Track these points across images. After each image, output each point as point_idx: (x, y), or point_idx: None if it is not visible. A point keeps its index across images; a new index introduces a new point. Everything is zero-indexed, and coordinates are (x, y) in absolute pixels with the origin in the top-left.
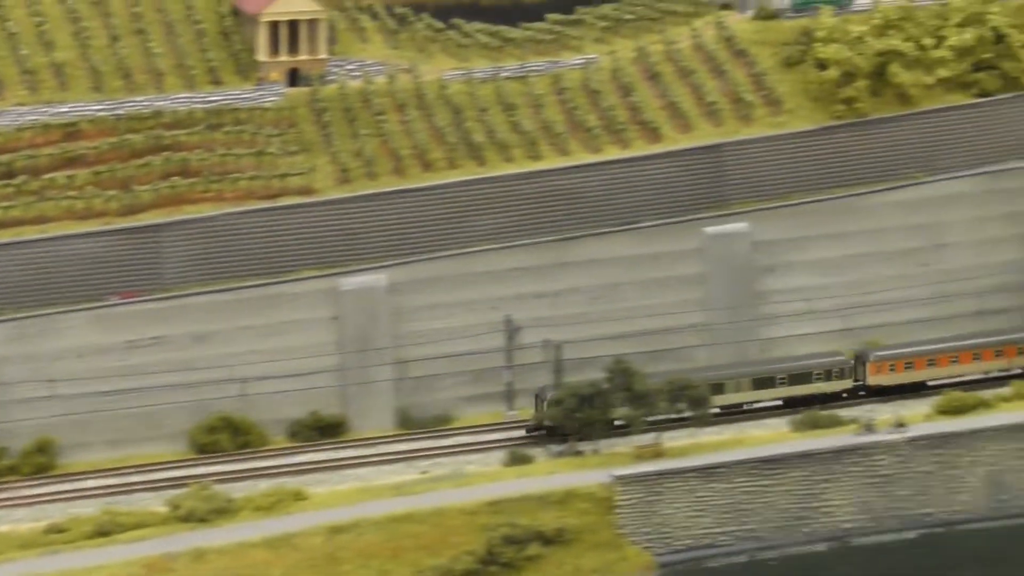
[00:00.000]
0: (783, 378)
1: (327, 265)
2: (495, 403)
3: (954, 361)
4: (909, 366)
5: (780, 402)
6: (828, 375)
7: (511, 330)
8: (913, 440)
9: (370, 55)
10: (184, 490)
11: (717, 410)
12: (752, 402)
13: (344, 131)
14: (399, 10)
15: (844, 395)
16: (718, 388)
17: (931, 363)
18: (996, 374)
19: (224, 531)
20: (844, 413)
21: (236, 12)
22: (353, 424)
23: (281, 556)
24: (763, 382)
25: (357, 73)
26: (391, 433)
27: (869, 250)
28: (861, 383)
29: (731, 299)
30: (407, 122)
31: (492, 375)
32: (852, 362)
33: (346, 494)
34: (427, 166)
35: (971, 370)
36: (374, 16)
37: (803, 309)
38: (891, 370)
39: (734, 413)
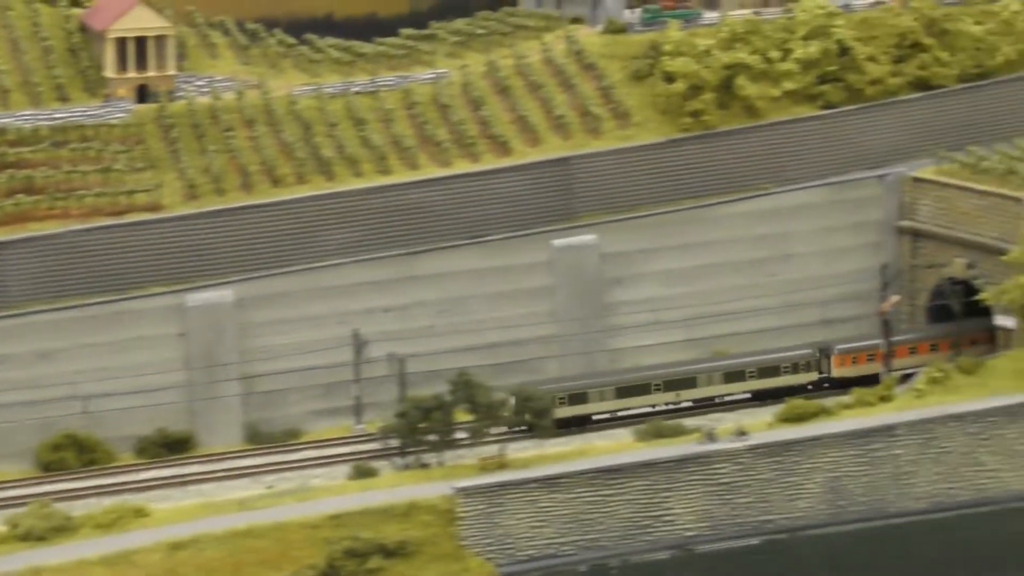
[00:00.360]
0: (753, 372)
1: (174, 281)
2: (344, 417)
3: (912, 352)
4: (871, 359)
5: (750, 395)
6: (795, 368)
7: (359, 344)
8: (753, 448)
9: (220, 71)
10: (24, 508)
11: (690, 403)
12: (724, 395)
13: (192, 147)
14: (251, 25)
15: (810, 387)
16: (691, 382)
17: (890, 355)
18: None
19: (63, 549)
20: (689, 422)
21: (83, 29)
22: (201, 440)
23: (119, 573)
24: (734, 376)
25: (206, 89)
26: (238, 448)
27: (717, 260)
28: (826, 375)
29: (580, 311)
30: (256, 138)
31: (340, 389)
32: (817, 355)
33: (189, 510)
34: (276, 181)
35: (928, 359)
36: (225, 32)
37: (650, 320)
38: (854, 363)
39: (707, 405)
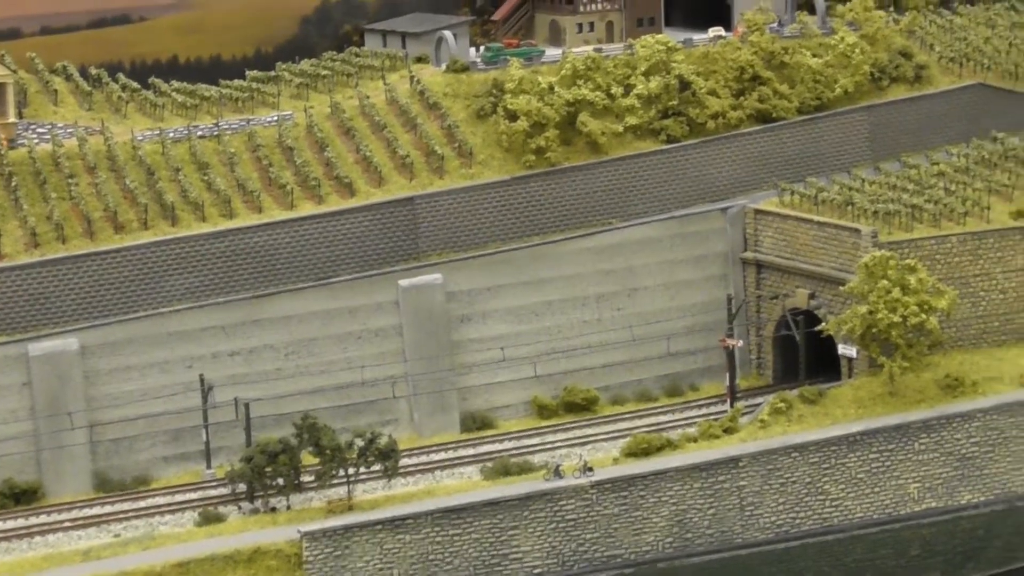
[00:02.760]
0: None
1: (17, 331)
2: (193, 462)
3: None
4: None
5: None
6: None
7: (205, 389)
8: (598, 484)
9: (62, 117)
10: None
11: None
12: None
13: (34, 195)
14: (93, 71)
15: None
16: None
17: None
18: None
19: None
20: (536, 458)
21: None
22: (49, 490)
23: None
24: None
25: (48, 136)
26: (86, 497)
27: (564, 296)
28: None
29: (428, 349)
30: (98, 184)
31: (189, 434)
32: None
33: (32, 562)
34: (119, 228)
35: None
36: (67, 77)
37: (498, 357)
38: None
39: None
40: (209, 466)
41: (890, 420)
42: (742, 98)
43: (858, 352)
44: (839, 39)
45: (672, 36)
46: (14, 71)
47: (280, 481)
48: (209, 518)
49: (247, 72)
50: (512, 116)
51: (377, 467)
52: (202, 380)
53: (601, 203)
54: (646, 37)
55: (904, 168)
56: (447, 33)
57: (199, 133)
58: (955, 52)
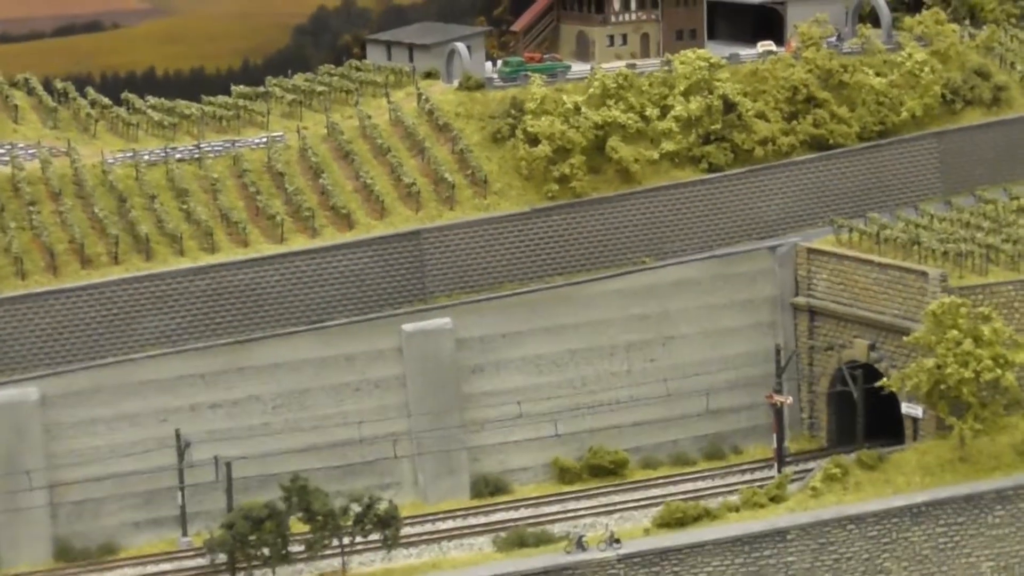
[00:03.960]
0: None
1: None
2: (168, 528)
3: None
4: None
5: None
6: None
7: (182, 446)
8: (626, 557)
9: (23, 137)
10: None
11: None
12: None
13: None
14: (59, 84)
15: None
16: None
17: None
18: None
19: None
20: (556, 528)
21: None
22: (3, 558)
23: None
24: None
25: (7, 158)
26: (44, 568)
27: (590, 345)
28: None
29: (435, 404)
30: (63, 212)
31: (163, 497)
32: None
33: None
34: (86, 262)
35: None
36: (29, 91)
37: (515, 413)
38: None
39: None
40: (185, 533)
41: (960, 490)
42: (795, 122)
43: (924, 412)
44: (907, 56)
45: (716, 51)
46: None
47: (266, 551)
48: None
49: (233, 87)
50: (533, 140)
51: (376, 536)
52: (178, 436)
53: (633, 239)
54: (686, 52)
55: (979, 203)
56: (460, 45)
57: (178, 156)
58: None
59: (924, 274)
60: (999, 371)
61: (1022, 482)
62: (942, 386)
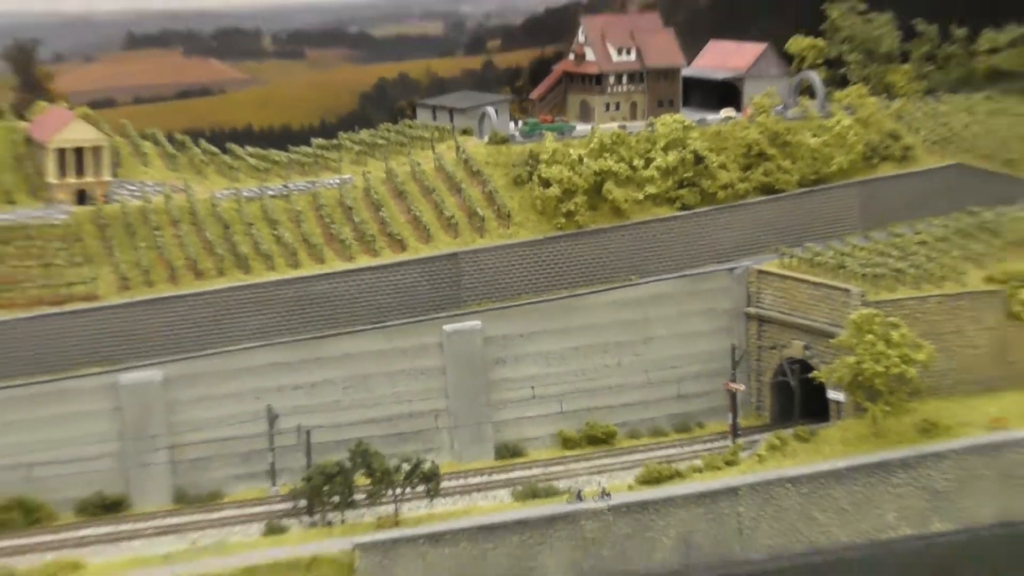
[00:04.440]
0: None
1: (109, 363)
2: (260, 481)
3: None
4: None
5: None
6: None
7: (271, 417)
8: (615, 507)
9: (151, 177)
10: None
11: None
12: None
13: (125, 244)
14: (178, 136)
15: None
16: None
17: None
18: None
19: None
20: (561, 484)
21: (29, 140)
22: (134, 502)
23: None
24: None
25: (138, 193)
26: (166, 509)
27: (588, 343)
28: None
29: (467, 387)
30: (181, 236)
31: (257, 457)
32: None
33: (119, 564)
34: (199, 274)
35: None
36: (155, 142)
37: (529, 395)
38: None
39: None
40: (274, 484)
41: (872, 458)
42: (749, 172)
43: (846, 397)
44: (836, 122)
45: (688, 116)
46: (109, 136)
47: (336, 499)
48: (273, 529)
49: (313, 140)
50: (546, 183)
51: (421, 488)
52: (269, 410)
53: (622, 262)
54: (665, 116)
55: (890, 237)
56: (490, 109)
57: (270, 193)
58: (938, 135)
59: (847, 291)
60: (904, 367)
61: (920, 452)
62: (860, 378)
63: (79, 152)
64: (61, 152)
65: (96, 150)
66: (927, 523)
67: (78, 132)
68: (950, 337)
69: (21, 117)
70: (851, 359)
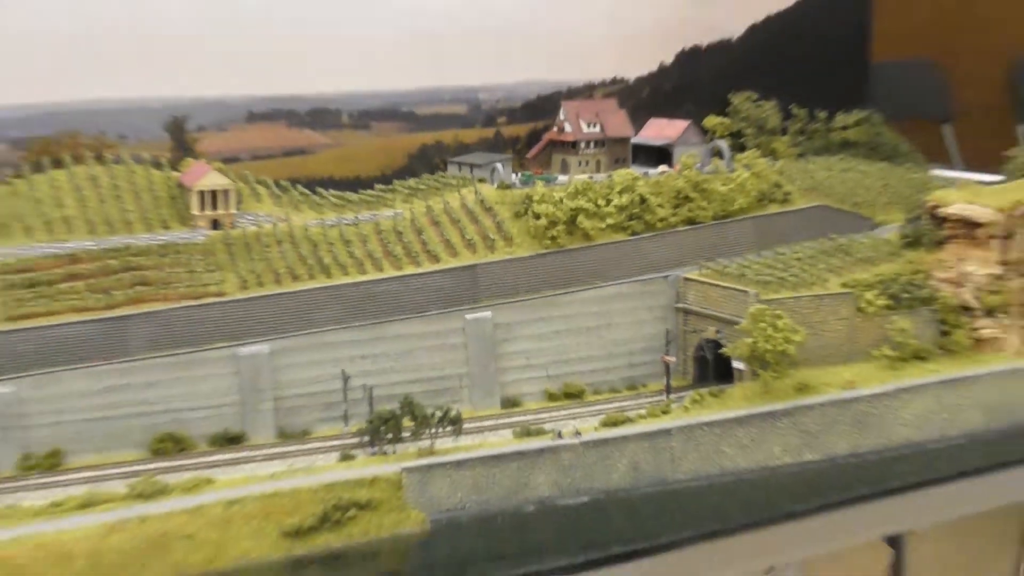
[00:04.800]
0: None
1: (232, 339)
2: (338, 423)
3: None
4: None
5: None
6: None
7: (345, 379)
8: (585, 443)
9: (262, 210)
10: (139, 478)
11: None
12: None
13: (244, 257)
14: (282, 182)
15: None
16: None
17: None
18: None
19: (160, 505)
20: (547, 426)
21: (180, 185)
22: (249, 437)
23: (195, 519)
24: None
25: (254, 222)
26: (272, 442)
27: (567, 328)
28: None
29: (481, 358)
30: (283, 251)
31: (336, 406)
32: None
33: (239, 480)
34: (295, 278)
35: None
36: (266, 186)
37: (524, 363)
38: None
39: None
40: (346, 425)
41: (764, 408)
42: (678, 209)
43: (745, 367)
44: (738, 175)
45: (636, 170)
46: (235, 182)
47: (390, 436)
48: (346, 457)
49: (375, 185)
50: (537, 216)
51: (449, 429)
52: (343, 373)
53: (591, 271)
54: (620, 170)
55: (776, 255)
56: (499, 164)
57: (345, 222)
58: (808, 185)
59: (746, 292)
60: (786, 345)
61: (797, 405)
62: (755, 353)
63: (214, 193)
64: (202, 193)
65: (226, 192)
66: (801, 454)
67: (214, 179)
68: (817, 324)
69: (175, 169)
70: (749, 340)
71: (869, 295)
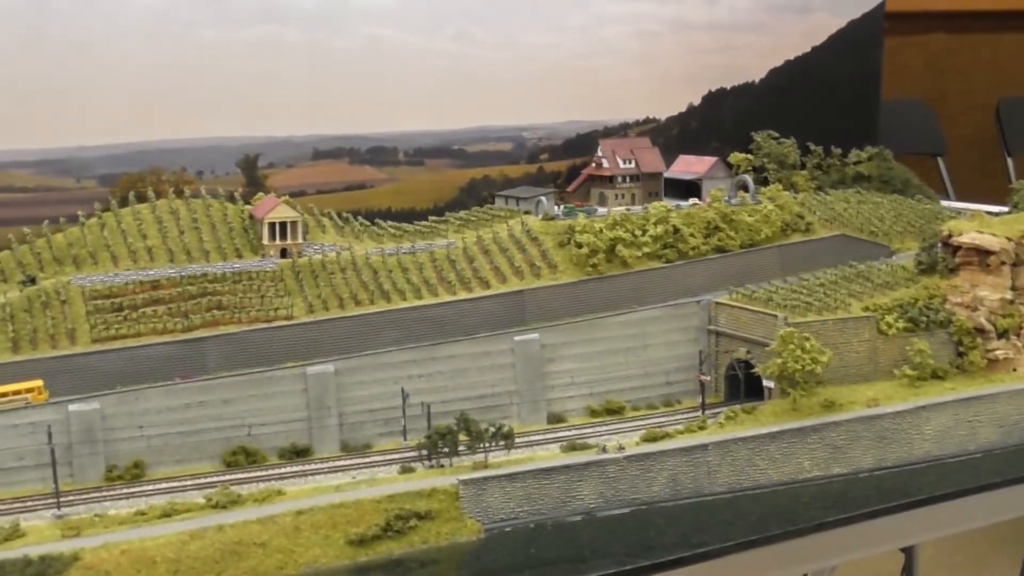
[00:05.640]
0: None
1: (301, 359)
2: (396, 436)
3: None
4: None
5: None
6: None
7: (404, 396)
8: (628, 456)
9: (326, 240)
10: (214, 489)
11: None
12: None
13: (311, 283)
14: (345, 214)
15: None
16: None
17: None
18: None
19: (234, 514)
20: (591, 441)
21: (251, 217)
22: (316, 450)
23: (267, 528)
24: None
25: (319, 251)
26: (336, 455)
27: (607, 348)
28: None
29: (529, 377)
30: (346, 278)
31: (395, 421)
32: None
33: (307, 491)
34: (357, 303)
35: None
36: (330, 218)
37: (569, 381)
38: None
39: None
40: (405, 439)
41: (793, 425)
42: (708, 238)
43: (775, 385)
44: (763, 207)
45: (669, 203)
46: (302, 214)
47: (446, 450)
48: (405, 469)
49: (429, 217)
50: (579, 245)
51: (501, 443)
52: (402, 391)
53: (629, 296)
54: (655, 203)
55: (800, 281)
56: (543, 198)
57: (403, 251)
58: (827, 216)
59: (775, 316)
60: (814, 365)
61: (824, 421)
62: (784, 372)
63: (283, 224)
64: (272, 225)
65: (293, 223)
66: (829, 467)
67: (282, 212)
68: (841, 346)
69: (247, 202)
70: (779, 360)
71: (889, 318)
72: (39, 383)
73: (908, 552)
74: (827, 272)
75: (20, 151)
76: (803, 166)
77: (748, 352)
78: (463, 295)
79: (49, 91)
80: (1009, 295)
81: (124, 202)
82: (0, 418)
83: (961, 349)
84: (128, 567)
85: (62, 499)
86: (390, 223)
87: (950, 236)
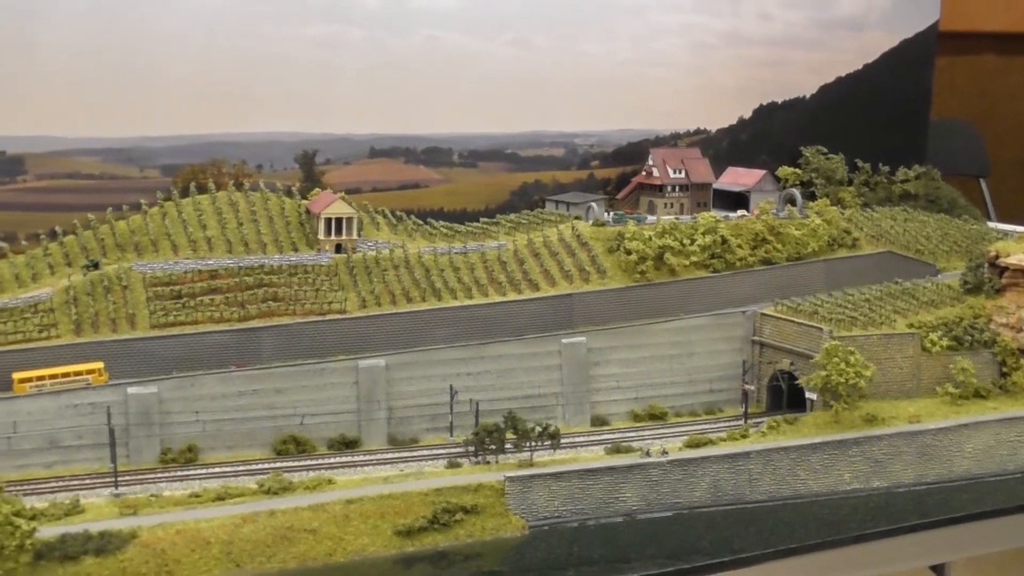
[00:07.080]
0: None
1: (353, 353)
2: (444, 432)
3: None
4: None
5: None
6: None
7: (453, 393)
8: (671, 461)
9: (380, 237)
10: (266, 476)
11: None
12: None
13: (364, 279)
14: (399, 212)
15: None
16: None
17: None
18: None
19: (286, 501)
20: (635, 444)
21: (308, 211)
22: (364, 442)
23: (318, 515)
24: None
25: (373, 247)
26: (385, 447)
27: (651, 355)
28: None
29: (575, 379)
30: (399, 275)
31: (442, 417)
32: None
33: (356, 481)
34: (409, 300)
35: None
36: (384, 216)
37: (614, 386)
38: None
39: None
40: (451, 435)
41: (835, 437)
42: (755, 250)
43: (817, 397)
44: (811, 221)
45: (717, 213)
46: (357, 211)
47: (493, 447)
48: (452, 464)
49: (481, 218)
50: (628, 252)
51: (547, 443)
52: (451, 388)
53: (675, 304)
54: (703, 213)
55: (845, 295)
56: (593, 204)
57: (455, 251)
58: (874, 232)
59: (820, 328)
60: (858, 379)
61: (866, 435)
62: (828, 385)
63: (339, 220)
64: (328, 220)
65: (348, 219)
66: (870, 481)
67: (338, 208)
68: (885, 361)
69: (304, 197)
70: (823, 373)
71: (933, 336)
72: (100, 365)
73: (939, 570)
74: (872, 288)
75: (88, 139)
76: (850, 182)
77: (792, 364)
78: (512, 296)
79: (118, 82)
80: None
81: (185, 192)
82: (62, 397)
83: (1004, 369)
84: (183, 547)
85: (118, 479)
86: (442, 223)
87: (997, 257)
